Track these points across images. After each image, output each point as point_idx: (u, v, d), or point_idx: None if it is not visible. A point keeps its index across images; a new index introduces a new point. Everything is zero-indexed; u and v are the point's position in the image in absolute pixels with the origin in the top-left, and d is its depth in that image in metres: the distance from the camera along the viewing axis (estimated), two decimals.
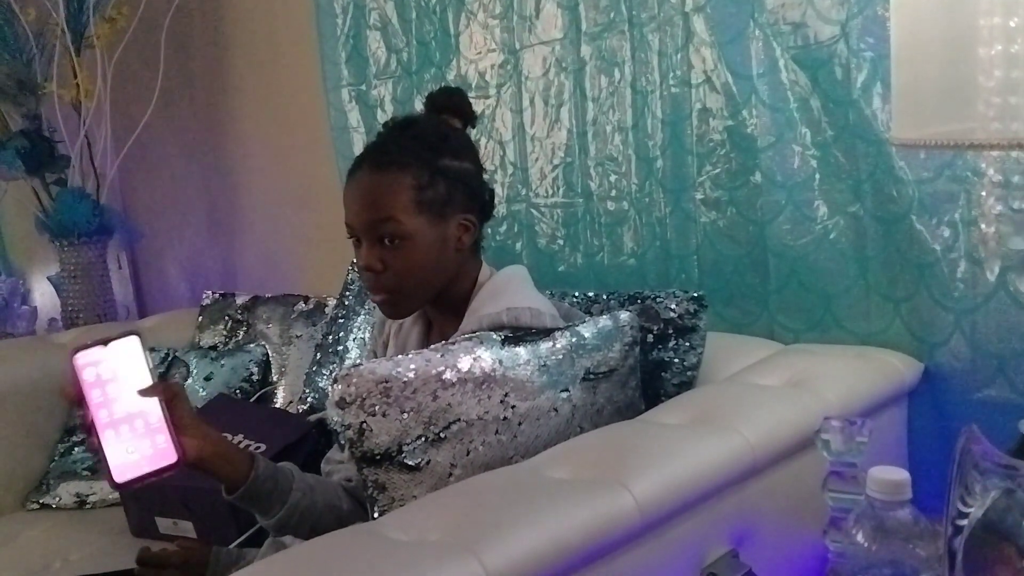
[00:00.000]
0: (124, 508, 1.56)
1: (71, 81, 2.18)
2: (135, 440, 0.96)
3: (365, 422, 0.94)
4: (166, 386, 1.00)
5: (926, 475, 0.96)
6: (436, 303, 1.20)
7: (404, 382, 0.96)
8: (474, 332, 1.10)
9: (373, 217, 1.13)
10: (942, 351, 1.21)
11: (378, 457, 0.95)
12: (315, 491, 1.14)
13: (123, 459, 0.95)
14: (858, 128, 1.22)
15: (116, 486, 0.95)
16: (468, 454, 0.98)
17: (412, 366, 0.97)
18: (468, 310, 1.16)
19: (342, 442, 0.95)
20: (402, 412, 0.95)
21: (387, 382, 0.95)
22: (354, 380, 0.95)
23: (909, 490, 0.81)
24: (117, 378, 0.97)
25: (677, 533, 0.92)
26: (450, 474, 0.97)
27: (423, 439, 0.96)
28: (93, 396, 0.95)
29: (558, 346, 1.07)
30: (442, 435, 0.97)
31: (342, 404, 0.95)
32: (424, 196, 1.12)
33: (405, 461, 0.96)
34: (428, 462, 0.96)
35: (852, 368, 1.19)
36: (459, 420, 0.98)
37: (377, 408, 0.95)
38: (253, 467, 1.07)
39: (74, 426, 1.83)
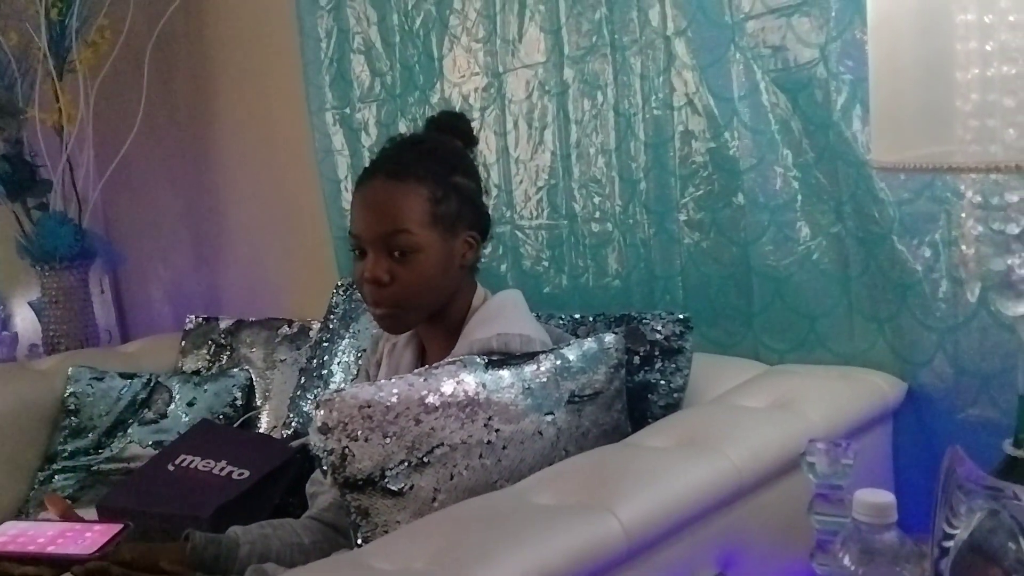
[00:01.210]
0: None
1: (53, 105, 2.18)
2: (76, 536, 1.05)
3: (347, 447, 0.94)
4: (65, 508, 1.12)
5: (912, 495, 0.96)
6: (431, 323, 1.20)
7: (386, 407, 0.95)
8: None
9: (387, 228, 1.11)
10: (925, 371, 1.21)
11: (361, 482, 0.94)
12: (268, 538, 1.13)
13: (81, 548, 1.03)
14: (839, 150, 1.23)
15: (93, 557, 1.02)
16: (452, 478, 0.97)
17: (395, 390, 0.97)
18: (461, 334, 1.15)
19: (325, 468, 0.94)
20: (384, 437, 0.95)
21: (369, 407, 0.95)
22: (336, 405, 0.94)
23: (895, 513, 0.80)
24: (26, 530, 1.07)
25: (664, 557, 0.92)
26: (434, 499, 0.96)
27: (406, 464, 0.95)
28: (22, 545, 1.04)
29: (542, 369, 1.07)
30: (425, 459, 0.96)
31: (324, 429, 0.94)
32: (438, 210, 1.13)
33: (388, 486, 0.95)
34: (411, 487, 0.95)
35: (836, 388, 1.19)
36: (442, 444, 0.97)
37: (359, 433, 0.94)
38: (188, 542, 1.08)
39: (55, 453, 1.81)
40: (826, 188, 1.26)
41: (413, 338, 1.26)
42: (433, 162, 1.15)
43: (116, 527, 1.06)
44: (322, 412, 0.94)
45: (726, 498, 0.98)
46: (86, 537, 1.04)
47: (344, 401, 0.95)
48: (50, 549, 1.02)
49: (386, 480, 0.95)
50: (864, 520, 0.80)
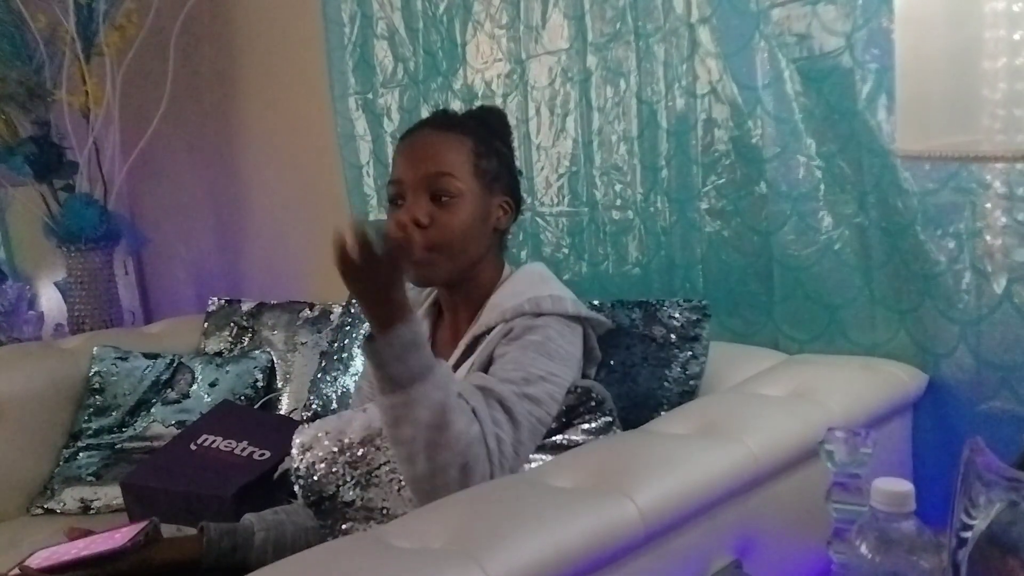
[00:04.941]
0: (128, 514, 1.56)
1: (80, 88, 2.20)
2: (106, 538, 1.09)
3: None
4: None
5: (930, 487, 0.96)
6: (455, 291, 1.22)
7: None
8: (492, 327, 1.13)
9: (432, 170, 1.16)
10: (947, 363, 1.20)
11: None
12: (283, 523, 1.16)
13: (113, 544, 1.07)
14: (863, 139, 1.22)
15: (126, 548, 1.07)
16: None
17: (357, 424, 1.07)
18: (488, 305, 1.19)
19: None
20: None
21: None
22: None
23: (913, 502, 0.80)
24: (57, 550, 1.10)
25: (680, 543, 0.92)
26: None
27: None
28: (59, 556, 1.07)
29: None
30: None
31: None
32: (480, 164, 1.19)
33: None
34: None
35: (856, 379, 1.19)
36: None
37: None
38: (203, 534, 1.10)
39: (79, 431, 1.84)
40: (850, 178, 1.25)
41: (431, 310, 1.28)
42: (477, 123, 1.23)
43: (141, 524, 1.10)
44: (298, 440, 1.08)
45: (743, 485, 0.98)
46: (116, 538, 1.08)
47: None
48: (85, 553, 1.06)
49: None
50: (882, 508, 0.80)
